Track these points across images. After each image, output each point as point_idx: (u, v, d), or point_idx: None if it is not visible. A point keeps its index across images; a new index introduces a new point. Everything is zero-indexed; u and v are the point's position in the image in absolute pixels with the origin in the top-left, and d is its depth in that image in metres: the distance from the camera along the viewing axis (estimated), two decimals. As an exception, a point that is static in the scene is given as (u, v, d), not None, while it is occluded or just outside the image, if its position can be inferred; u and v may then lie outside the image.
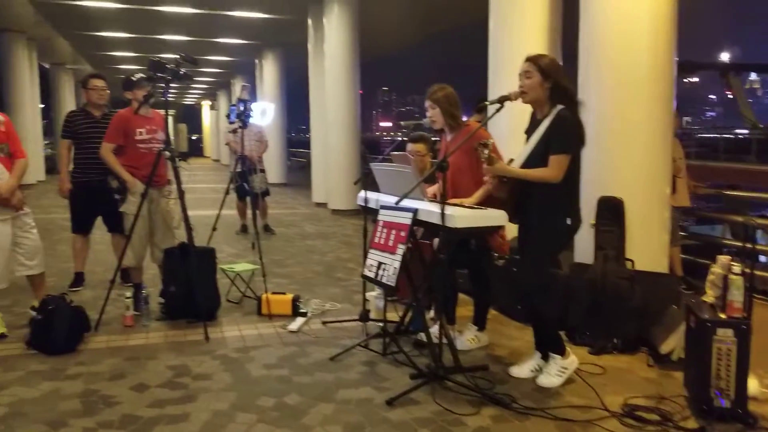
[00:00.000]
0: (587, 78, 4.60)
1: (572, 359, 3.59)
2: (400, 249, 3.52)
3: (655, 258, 4.45)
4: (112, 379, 3.63)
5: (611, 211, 4.45)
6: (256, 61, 18.80)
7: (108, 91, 5.64)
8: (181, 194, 4.58)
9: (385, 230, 3.71)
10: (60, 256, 7.08)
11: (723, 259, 3.23)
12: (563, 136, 3.29)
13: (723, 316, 3.11)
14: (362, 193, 4.18)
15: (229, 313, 5.00)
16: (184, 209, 4.58)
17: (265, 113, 7.91)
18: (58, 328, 4.08)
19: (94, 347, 4.18)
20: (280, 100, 17.47)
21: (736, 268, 3.12)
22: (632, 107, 4.41)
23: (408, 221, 3.53)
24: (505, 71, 5.81)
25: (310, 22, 12.52)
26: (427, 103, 4.00)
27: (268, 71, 17.76)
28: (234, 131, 7.78)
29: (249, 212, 8.88)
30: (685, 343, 3.53)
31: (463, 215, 3.38)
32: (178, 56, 4.55)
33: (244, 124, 6.36)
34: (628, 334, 4.08)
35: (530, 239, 3.50)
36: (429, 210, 3.49)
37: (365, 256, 3.86)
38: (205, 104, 37.14)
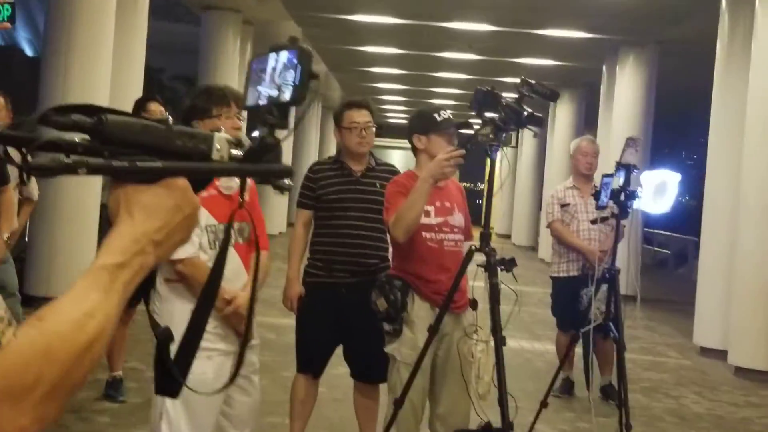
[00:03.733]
0: None
1: None
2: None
3: None
4: None
5: None
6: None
7: None
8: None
9: None
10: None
11: None
12: None
13: None
14: None
15: None
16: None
17: (665, 191, 4.08)
18: None
19: None
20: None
21: None
22: None
23: None
24: None
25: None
26: None
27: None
28: (598, 221, 4.32)
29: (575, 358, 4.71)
30: None
31: None
32: (520, 81, 2.82)
33: (624, 212, 3.73)
34: None
35: None
36: None
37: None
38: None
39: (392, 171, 3.41)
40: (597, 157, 4.91)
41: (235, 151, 0.83)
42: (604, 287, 4.30)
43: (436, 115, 3.01)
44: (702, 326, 7.09)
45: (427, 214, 2.99)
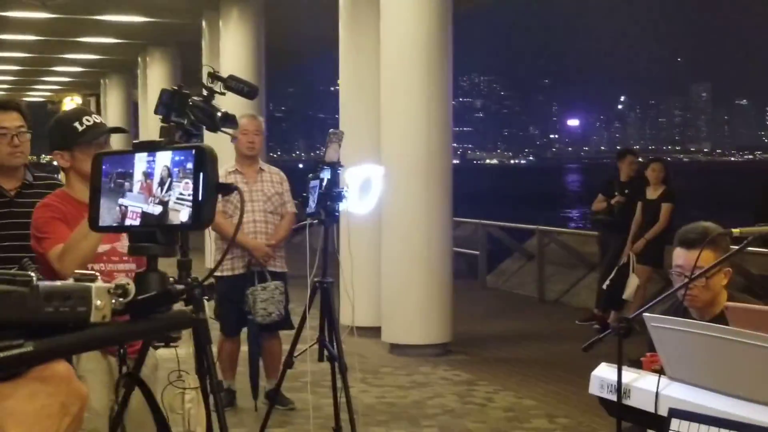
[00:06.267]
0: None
1: None
2: None
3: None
4: None
5: None
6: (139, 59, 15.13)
7: None
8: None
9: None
10: None
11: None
12: None
13: None
14: (605, 372, 2.12)
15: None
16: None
17: (369, 188, 3.78)
18: None
19: None
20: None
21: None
22: None
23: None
24: None
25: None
26: None
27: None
28: (307, 227, 3.78)
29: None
30: None
31: None
32: (208, 75, 2.57)
33: (332, 217, 3.55)
34: None
35: None
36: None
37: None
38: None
39: (55, 185, 3.03)
40: (261, 134, 4.65)
41: (117, 302, 0.64)
42: (275, 283, 4.38)
43: (77, 125, 2.64)
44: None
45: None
